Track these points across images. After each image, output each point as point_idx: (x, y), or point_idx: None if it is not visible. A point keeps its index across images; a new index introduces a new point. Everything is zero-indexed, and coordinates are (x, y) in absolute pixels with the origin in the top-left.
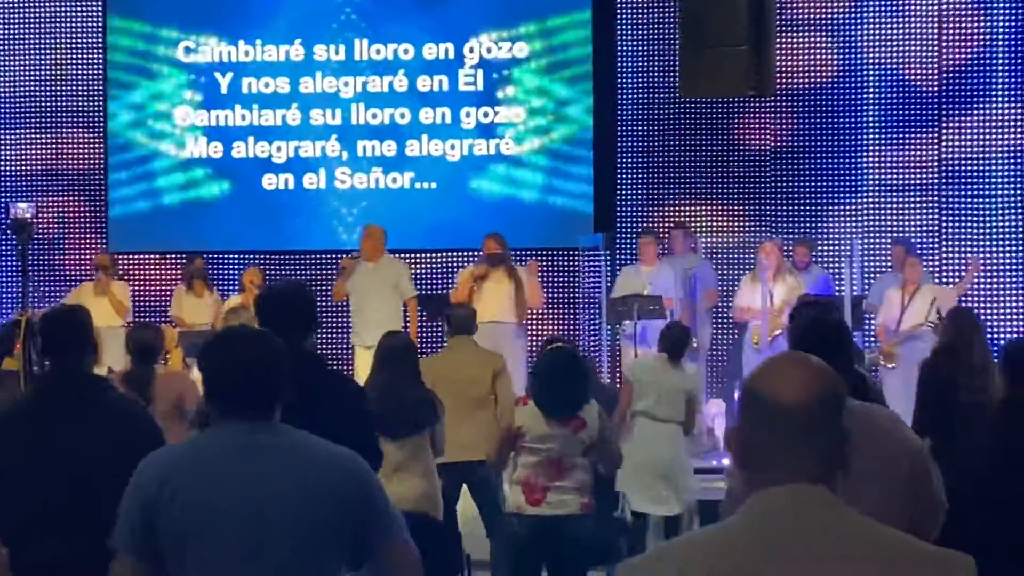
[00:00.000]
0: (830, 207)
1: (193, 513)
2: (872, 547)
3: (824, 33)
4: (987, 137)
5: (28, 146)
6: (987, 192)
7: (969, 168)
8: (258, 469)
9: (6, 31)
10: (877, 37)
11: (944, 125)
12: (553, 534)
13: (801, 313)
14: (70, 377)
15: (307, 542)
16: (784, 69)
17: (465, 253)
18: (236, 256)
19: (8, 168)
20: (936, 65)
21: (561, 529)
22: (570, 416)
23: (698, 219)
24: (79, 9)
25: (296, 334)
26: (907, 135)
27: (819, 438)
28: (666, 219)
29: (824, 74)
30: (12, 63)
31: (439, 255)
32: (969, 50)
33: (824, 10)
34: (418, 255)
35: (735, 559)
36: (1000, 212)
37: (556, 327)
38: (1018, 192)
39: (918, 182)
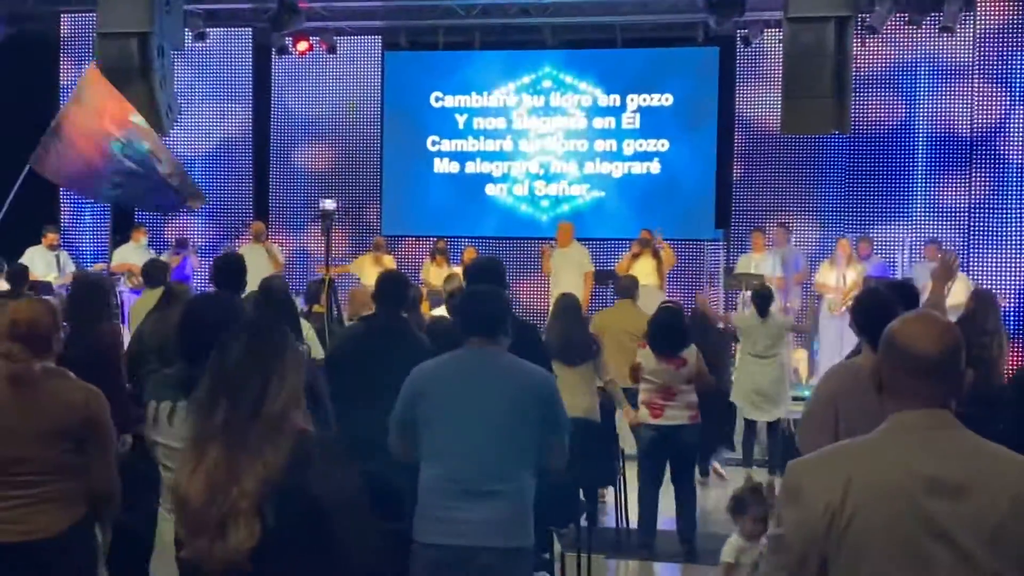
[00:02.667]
0: (888, 215)
1: (432, 407)
2: (977, 452)
3: (889, 89)
4: (1006, 178)
5: (328, 159)
6: (1003, 213)
7: (992, 197)
8: (484, 377)
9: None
10: (928, 94)
11: (974, 165)
12: (672, 438)
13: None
14: (393, 320)
15: (513, 434)
16: (859, 115)
17: (624, 241)
18: (468, 239)
19: (315, 172)
20: (969, 119)
21: (676, 434)
22: (673, 356)
23: (793, 220)
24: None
25: (498, 283)
26: (946, 168)
27: (945, 378)
28: (771, 220)
29: (887, 120)
30: (314, 102)
31: (607, 242)
32: (995, 110)
33: (891, 71)
34: (593, 242)
35: (889, 463)
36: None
37: (686, 296)
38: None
39: (951, 202)
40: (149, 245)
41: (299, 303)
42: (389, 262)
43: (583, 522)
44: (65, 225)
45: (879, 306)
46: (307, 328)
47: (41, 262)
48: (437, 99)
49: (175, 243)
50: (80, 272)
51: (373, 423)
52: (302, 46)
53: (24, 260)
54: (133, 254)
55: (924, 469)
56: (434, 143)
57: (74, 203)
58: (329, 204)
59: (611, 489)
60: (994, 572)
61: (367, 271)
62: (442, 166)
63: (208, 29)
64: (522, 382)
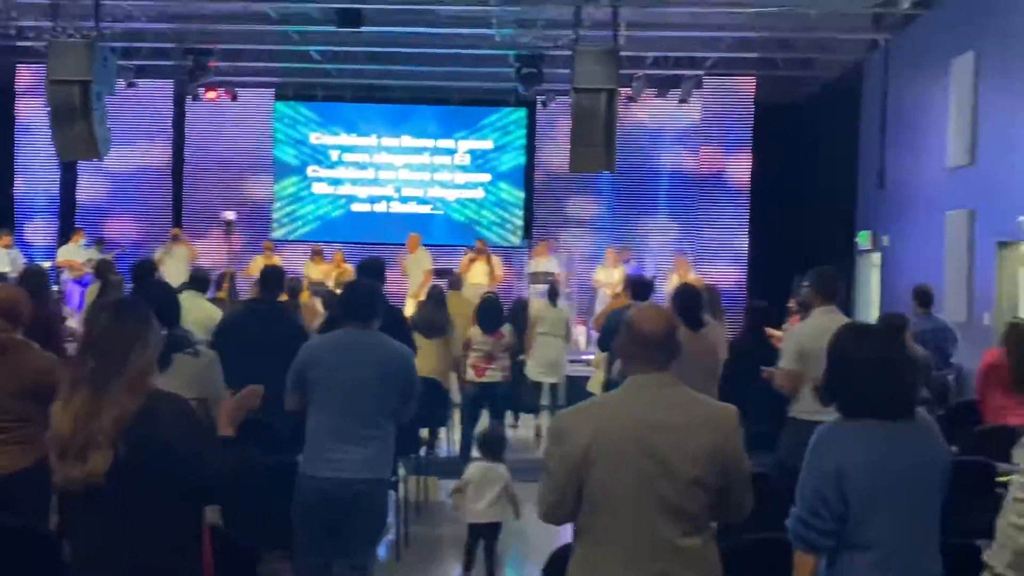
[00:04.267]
0: (642, 231)
1: (321, 373)
2: (692, 403)
3: (645, 141)
4: (725, 207)
5: (231, 181)
6: (723, 231)
7: (715, 219)
8: (359, 351)
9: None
10: (671, 145)
11: (701, 198)
12: (490, 391)
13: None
14: (271, 302)
15: (380, 394)
16: (623, 159)
17: (459, 247)
18: (339, 244)
19: (221, 191)
20: (697, 164)
21: (494, 389)
22: (494, 331)
23: (576, 234)
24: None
25: (378, 284)
26: (683, 199)
27: (665, 349)
28: (561, 233)
29: (643, 163)
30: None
31: (446, 247)
32: (716, 159)
33: (646, 128)
34: (436, 247)
35: (626, 410)
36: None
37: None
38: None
39: (687, 224)
40: (86, 245)
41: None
42: (277, 261)
43: (422, 453)
44: (19, 229)
45: (691, 295)
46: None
47: None
48: (316, 137)
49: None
50: (29, 265)
51: (256, 380)
52: (211, 95)
53: None
54: (73, 252)
55: (651, 415)
56: (314, 171)
57: (26, 212)
58: (230, 215)
59: (443, 429)
60: (694, 478)
61: (259, 268)
62: (319, 188)
63: (137, 80)
64: (387, 355)
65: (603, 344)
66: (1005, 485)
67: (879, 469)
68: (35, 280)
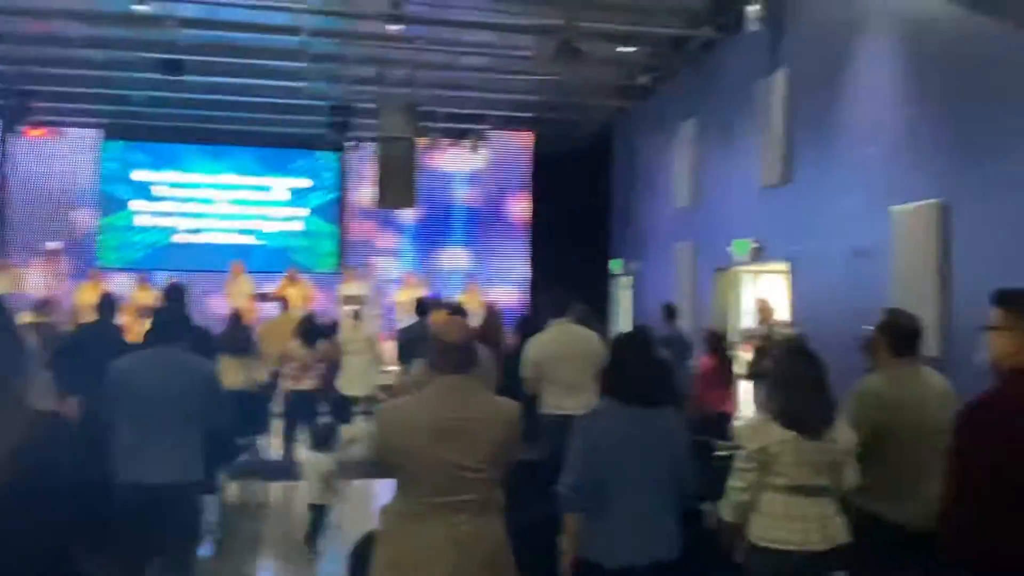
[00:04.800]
0: (439, 258)
1: (127, 388)
2: (485, 400)
3: (444, 181)
4: (500, 235)
5: (56, 214)
6: (503, 258)
7: (495, 247)
8: (164, 367)
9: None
10: (464, 186)
11: (480, 228)
12: (305, 399)
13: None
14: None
15: (183, 406)
16: (423, 196)
17: (278, 274)
18: (164, 271)
19: (46, 222)
20: (483, 202)
21: (310, 395)
22: (310, 345)
23: (380, 260)
24: (90, 153)
25: (182, 307)
26: (468, 231)
27: (465, 355)
28: (366, 261)
29: (439, 200)
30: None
31: (266, 274)
32: (496, 199)
33: (445, 171)
34: (257, 274)
35: (432, 408)
36: (509, 265)
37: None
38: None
39: (480, 250)
40: None
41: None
42: (105, 287)
43: (244, 457)
44: None
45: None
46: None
47: None
48: (142, 174)
49: None
50: None
51: (86, 395)
52: (35, 132)
53: None
54: None
55: (451, 412)
56: (138, 204)
57: None
58: (54, 245)
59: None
60: (484, 461)
61: (86, 295)
62: (143, 220)
63: None
64: (188, 370)
65: (400, 354)
66: (723, 458)
67: (630, 446)
68: None
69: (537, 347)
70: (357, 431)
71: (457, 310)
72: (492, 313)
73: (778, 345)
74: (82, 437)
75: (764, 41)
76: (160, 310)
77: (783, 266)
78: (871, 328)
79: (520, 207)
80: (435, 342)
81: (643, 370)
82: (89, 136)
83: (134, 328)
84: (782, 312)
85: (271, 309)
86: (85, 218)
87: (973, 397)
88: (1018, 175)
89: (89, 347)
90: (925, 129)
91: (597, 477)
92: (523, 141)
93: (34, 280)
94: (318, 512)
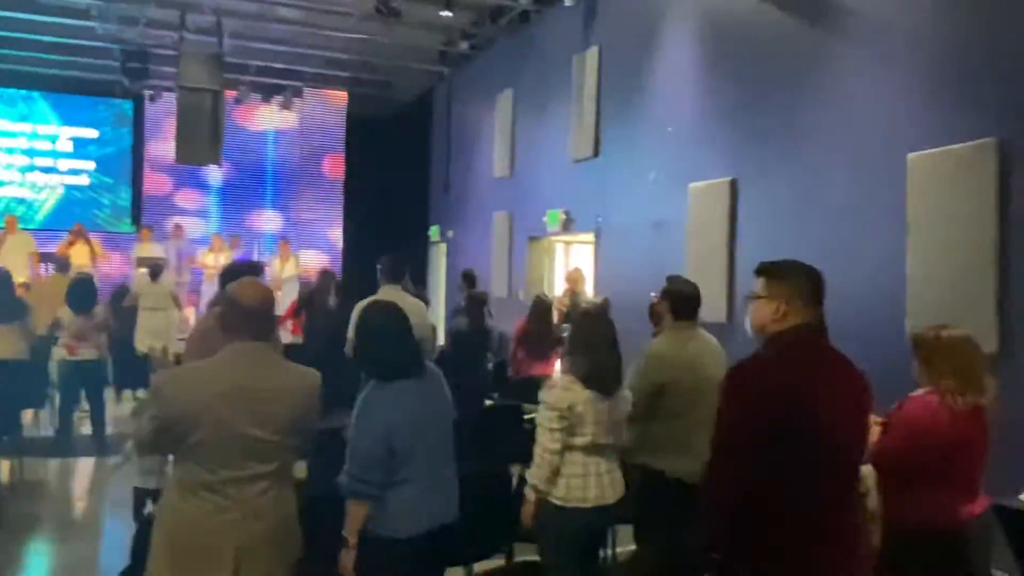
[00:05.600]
0: (249, 220)
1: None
2: (282, 369)
3: (253, 139)
4: (317, 197)
5: None
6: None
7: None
8: None
9: None
10: (274, 144)
11: (289, 194)
12: (82, 368)
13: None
14: None
15: None
16: (229, 152)
17: (62, 232)
18: None
19: None
20: (291, 161)
21: (87, 366)
22: (87, 312)
23: (187, 221)
24: None
25: None
26: (280, 192)
27: (263, 321)
28: (170, 220)
29: (250, 158)
30: None
31: (48, 232)
32: (314, 163)
33: (255, 128)
34: (35, 232)
35: (224, 375)
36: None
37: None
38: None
39: (295, 215)
40: None
41: None
42: None
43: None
44: None
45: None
46: None
47: None
48: None
49: None
50: None
51: None
52: None
53: None
54: None
55: (246, 379)
56: None
57: None
58: None
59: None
60: (280, 431)
61: None
62: None
63: None
64: None
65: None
66: (530, 421)
67: (414, 420)
68: None
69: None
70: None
71: (253, 270)
72: (325, 275)
73: (580, 309)
74: None
75: (579, 17)
76: None
77: (590, 236)
78: (656, 294)
79: (333, 169)
80: (230, 305)
81: (398, 342)
82: None
83: None
84: (591, 280)
85: (50, 271)
86: None
87: (737, 361)
88: (800, 156)
89: None
90: (720, 111)
91: (387, 460)
92: (337, 101)
93: None
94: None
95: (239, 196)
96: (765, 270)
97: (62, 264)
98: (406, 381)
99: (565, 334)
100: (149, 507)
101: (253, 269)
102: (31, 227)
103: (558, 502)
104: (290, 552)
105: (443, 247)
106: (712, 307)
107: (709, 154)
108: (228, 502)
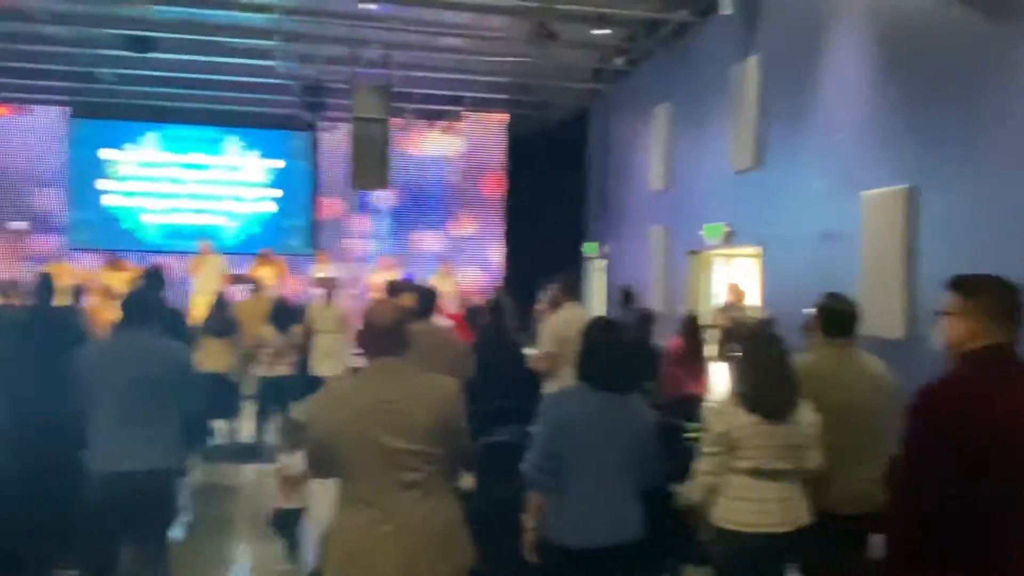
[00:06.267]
0: (414, 240)
1: (97, 375)
2: (423, 381)
3: (410, 163)
4: (482, 216)
5: (24, 194)
6: (481, 242)
7: (473, 228)
8: (134, 351)
9: None
10: (442, 169)
11: (458, 209)
12: (280, 383)
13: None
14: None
15: (155, 390)
16: (396, 178)
17: (249, 255)
18: (132, 252)
19: (12, 202)
20: (455, 183)
21: (281, 382)
22: (285, 331)
23: (346, 243)
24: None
25: (159, 289)
26: (440, 213)
27: (395, 337)
28: (340, 243)
29: (416, 182)
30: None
31: (237, 255)
32: (469, 181)
33: (419, 153)
34: (228, 255)
35: (365, 391)
36: (487, 251)
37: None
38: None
39: (458, 234)
40: None
41: None
42: (67, 269)
43: (216, 442)
44: None
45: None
46: None
47: None
48: (105, 153)
49: None
50: None
51: (33, 382)
52: (0, 111)
53: None
54: None
55: (384, 394)
56: (104, 184)
57: None
58: (19, 225)
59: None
60: (421, 443)
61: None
62: (108, 200)
63: None
64: (159, 354)
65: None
66: (692, 439)
67: (588, 426)
68: None
69: (562, 325)
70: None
71: (426, 292)
72: (496, 293)
73: (745, 328)
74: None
75: (738, 26)
76: (131, 293)
77: (754, 249)
78: (811, 310)
79: (494, 189)
80: (365, 325)
81: (613, 356)
82: (56, 114)
83: (103, 310)
84: (753, 295)
85: (243, 291)
86: (52, 198)
87: (927, 381)
88: (984, 161)
89: (34, 331)
90: (895, 115)
91: (559, 457)
92: (497, 123)
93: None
94: (285, 518)
95: (404, 218)
96: (959, 284)
97: (255, 286)
98: (599, 392)
99: (732, 352)
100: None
101: (415, 288)
102: (223, 250)
103: (718, 522)
104: (458, 559)
105: (600, 263)
106: (888, 323)
107: (883, 160)
108: (382, 515)
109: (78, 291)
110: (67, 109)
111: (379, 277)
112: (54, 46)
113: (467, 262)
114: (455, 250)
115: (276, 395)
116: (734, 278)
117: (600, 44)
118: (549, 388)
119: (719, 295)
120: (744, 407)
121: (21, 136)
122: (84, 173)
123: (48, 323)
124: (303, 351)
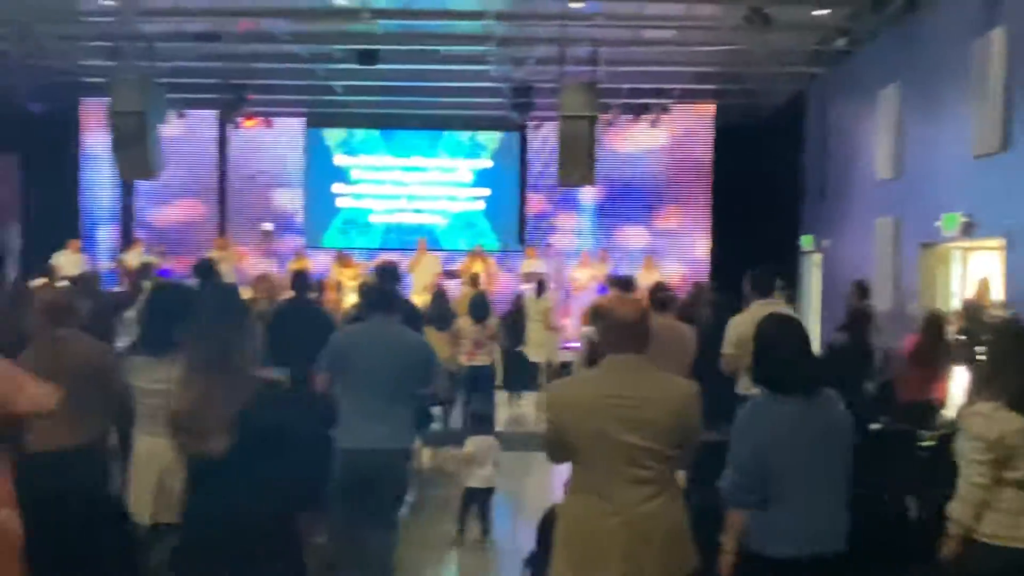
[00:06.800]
0: (620, 236)
1: (353, 358)
2: (658, 380)
3: (621, 160)
4: (688, 214)
5: (267, 196)
6: (687, 236)
7: (675, 226)
8: (383, 339)
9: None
10: (647, 164)
11: (661, 207)
12: (479, 372)
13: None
14: (302, 300)
15: (401, 378)
16: (601, 173)
17: (461, 252)
18: (359, 250)
19: (259, 205)
20: (665, 178)
21: (482, 370)
22: (482, 322)
23: (560, 239)
24: (295, 140)
25: (394, 284)
26: (648, 210)
27: (638, 333)
28: (548, 238)
29: (618, 177)
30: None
31: (450, 252)
32: (682, 175)
33: (625, 148)
34: (442, 252)
35: (603, 386)
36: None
37: (502, 286)
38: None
39: (661, 230)
40: (145, 252)
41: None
42: (307, 264)
43: (435, 427)
44: (87, 239)
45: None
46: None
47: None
48: (340, 159)
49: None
50: (85, 271)
51: (298, 372)
52: (249, 123)
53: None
54: (133, 258)
55: (622, 390)
56: (337, 187)
57: (93, 224)
58: (268, 226)
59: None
60: (656, 441)
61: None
62: (343, 202)
63: (184, 110)
64: (408, 344)
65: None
66: (927, 449)
67: (793, 438)
68: (88, 282)
69: (742, 326)
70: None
71: (626, 285)
72: (699, 290)
73: (992, 327)
74: (307, 405)
75: None
76: (370, 286)
77: (997, 242)
78: None
79: (700, 182)
80: (606, 320)
81: (796, 356)
82: (295, 125)
83: (336, 302)
84: (995, 292)
85: (454, 287)
86: (292, 201)
87: None
88: None
89: (290, 322)
90: None
91: (762, 474)
92: (704, 114)
93: (251, 259)
94: (482, 497)
95: (609, 213)
96: None
97: (473, 281)
98: (793, 397)
99: (975, 353)
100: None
101: (626, 284)
102: (437, 248)
103: (984, 539)
104: (681, 562)
105: (817, 258)
106: None
107: None
108: (612, 507)
109: (320, 285)
110: (303, 119)
111: (582, 273)
112: (293, 63)
113: (672, 257)
114: (659, 245)
115: (475, 383)
116: (980, 273)
117: (819, 25)
118: (738, 388)
119: (957, 292)
120: (1009, 410)
121: (266, 146)
122: (319, 178)
123: (304, 313)
124: (500, 340)
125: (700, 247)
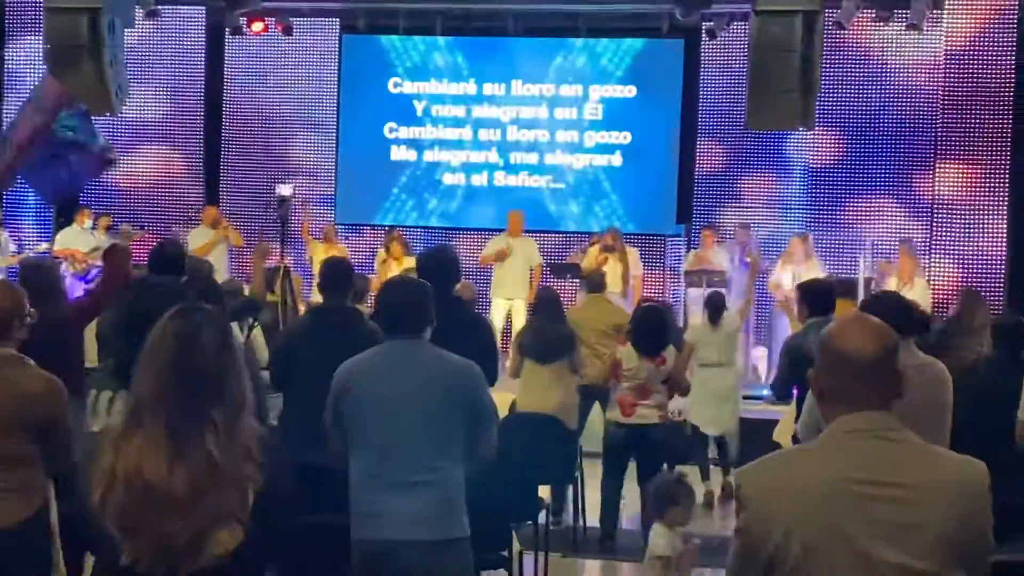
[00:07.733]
0: (843, 213)
1: (355, 401)
2: (926, 458)
3: (853, 86)
4: (972, 173)
5: (283, 145)
6: (970, 206)
7: (959, 191)
8: (407, 370)
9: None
10: (893, 91)
11: (938, 160)
12: (641, 437)
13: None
14: (338, 309)
15: (433, 424)
16: (821, 111)
17: (579, 236)
18: (422, 229)
19: (269, 157)
20: (933, 116)
21: (645, 434)
22: (654, 355)
23: (754, 217)
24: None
25: (444, 282)
26: (910, 166)
27: (882, 378)
28: (731, 217)
29: (851, 116)
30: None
31: (560, 235)
32: (962, 107)
33: (857, 67)
34: (547, 235)
35: (838, 465)
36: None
37: (648, 291)
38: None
39: (915, 199)
40: (92, 228)
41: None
42: (341, 251)
43: (544, 520)
44: (6, 204)
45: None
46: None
47: None
48: (396, 84)
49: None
50: (29, 258)
51: (321, 414)
52: (257, 27)
53: None
54: (77, 237)
55: (868, 474)
56: (391, 130)
57: (14, 187)
58: (286, 190)
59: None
60: (931, 563)
61: (320, 259)
62: (399, 154)
63: (160, 7)
64: (444, 373)
65: (778, 385)
66: None
67: None
68: (40, 277)
69: None
70: None
71: (846, 292)
72: (970, 305)
73: None
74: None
75: None
76: (394, 286)
77: None
78: None
79: (998, 120)
80: (830, 356)
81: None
82: (327, 27)
83: None
84: None
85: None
86: (321, 151)
87: None
88: None
89: (311, 341)
90: None
91: None
92: (1004, 6)
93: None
94: None
95: (834, 176)
96: None
97: (595, 283)
98: None
99: None
100: None
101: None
102: (539, 228)
103: None
104: None
105: None
106: None
107: None
108: None
109: (361, 288)
110: (337, 20)
111: (787, 273)
112: None
113: (946, 248)
114: (923, 226)
115: (637, 453)
116: None
117: None
118: None
119: None
120: None
121: (282, 62)
122: (361, 114)
123: (344, 328)
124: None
125: (990, 231)
